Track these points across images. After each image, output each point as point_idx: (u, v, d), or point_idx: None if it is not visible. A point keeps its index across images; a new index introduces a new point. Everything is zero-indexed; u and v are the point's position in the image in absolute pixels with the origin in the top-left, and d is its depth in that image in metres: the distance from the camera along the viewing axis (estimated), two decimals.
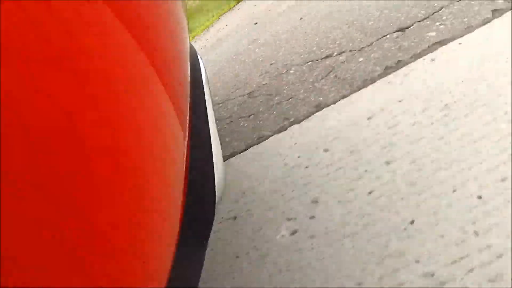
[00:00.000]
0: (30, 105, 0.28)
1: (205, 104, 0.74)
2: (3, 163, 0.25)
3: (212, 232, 0.60)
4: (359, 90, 1.20)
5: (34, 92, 0.29)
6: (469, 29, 1.16)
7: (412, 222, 0.73)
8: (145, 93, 0.41)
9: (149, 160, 0.39)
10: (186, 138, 0.54)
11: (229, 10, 3.44)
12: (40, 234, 0.28)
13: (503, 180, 0.69)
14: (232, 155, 1.29)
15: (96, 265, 0.32)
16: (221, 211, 1.03)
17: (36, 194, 0.28)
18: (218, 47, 2.56)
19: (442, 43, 1.18)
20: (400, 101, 1.05)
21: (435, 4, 1.37)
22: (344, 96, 1.22)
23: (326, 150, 1.03)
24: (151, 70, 0.44)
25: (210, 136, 0.69)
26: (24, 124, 0.28)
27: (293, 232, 0.85)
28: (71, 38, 0.33)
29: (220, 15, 3.46)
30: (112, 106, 0.36)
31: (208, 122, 0.71)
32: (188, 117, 0.56)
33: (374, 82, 1.20)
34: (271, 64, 1.74)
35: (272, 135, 1.26)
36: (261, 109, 1.44)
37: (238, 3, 3.43)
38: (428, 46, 1.20)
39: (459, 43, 1.13)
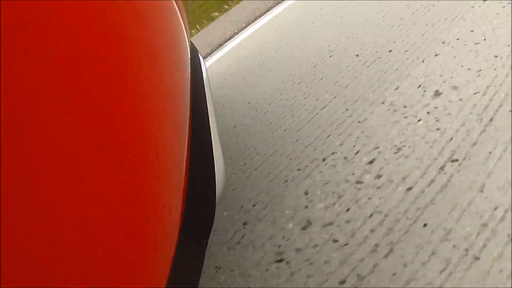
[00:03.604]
0: (29, 104, 0.28)
1: (206, 102, 0.74)
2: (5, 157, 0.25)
3: None
4: None
5: (32, 91, 0.29)
6: None
7: None
8: (146, 91, 0.41)
9: (149, 159, 0.39)
10: (187, 136, 0.54)
11: None
12: (38, 234, 0.28)
13: None
14: None
15: (96, 265, 0.32)
16: None
17: (35, 194, 0.28)
18: None
19: None
20: None
21: None
22: None
23: None
24: (151, 69, 0.44)
25: (210, 134, 0.68)
26: (23, 122, 0.28)
27: None
28: (71, 36, 0.33)
29: None
30: (113, 105, 0.36)
31: (208, 120, 0.71)
32: (188, 115, 0.56)
33: None
34: None
35: None
36: None
37: None
38: None
39: None
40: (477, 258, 0.62)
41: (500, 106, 0.88)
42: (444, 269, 0.63)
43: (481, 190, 0.72)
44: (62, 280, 0.30)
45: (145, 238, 0.38)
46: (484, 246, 0.63)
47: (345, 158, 1.00)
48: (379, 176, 0.88)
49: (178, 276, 0.46)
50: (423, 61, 1.20)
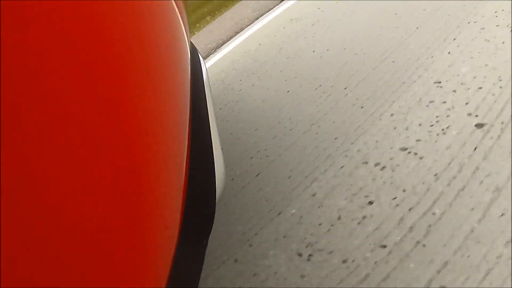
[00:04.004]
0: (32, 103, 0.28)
1: (206, 102, 0.74)
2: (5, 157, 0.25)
3: None
4: None
5: (31, 91, 0.29)
6: None
7: None
8: (146, 92, 0.41)
9: (149, 159, 0.39)
10: (187, 136, 0.54)
11: None
12: (38, 234, 0.28)
13: None
14: None
15: (96, 265, 0.32)
16: None
17: (35, 193, 0.28)
18: None
19: None
20: None
21: None
22: None
23: None
24: (151, 69, 0.44)
25: (210, 134, 0.68)
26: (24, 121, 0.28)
27: None
28: (72, 37, 0.33)
29: None
30: (112, 105, 0.36)
31: (208, 120, 0.71)
32: (188, 115, 0.56)
33: None
34: None
35: None
36: None
37: None
38: None
39: None
40: None
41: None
42: None
43: None
44: (63, 280, 0.30)
45: (145, 238, 0.38)
46: None
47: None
48: None
49: (178, 276, 0.46)
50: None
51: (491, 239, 0.64)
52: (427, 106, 1.01)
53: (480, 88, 0.97)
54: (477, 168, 0.78)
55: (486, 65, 1.03)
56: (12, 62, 0.27)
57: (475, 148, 0.82)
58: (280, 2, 2.83)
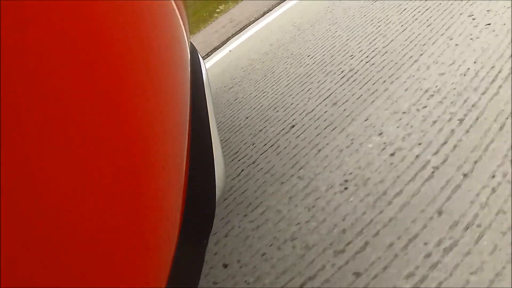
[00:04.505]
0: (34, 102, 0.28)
1: (206, 102, 0.74)
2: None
3: None
4: None
5: (31, 91, 0.29)
6: None
7: None
8: (146, 92, 0.41)
9: (149, 159, 0.39)
10: (187, 136, 0.54)
11: None
12: (38, 234, 0.28)
13: None
14: None
15: (96, 265, 0.32)
16: None
17: (35, 194, 0.28)
18: None
19: None
20: None
21: None
22: None
23: None
24: (151, 69, 0.44)
25: (210, 134, 0.68)
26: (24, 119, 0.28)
27: None
28: (71, 37, 0.33)
29: None
30: (112, 106, 0.36)
31: (208, 120, 0.71)
32: (188, 115, 0.56)
33: None
34: None
35: None
36: None
37: None
38: None
39: None
40: None
41: None
42: None
43: None
44: (63, 280, 0.30)
45: (145, 238, 0.38)
46: None
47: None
48: None
49: (178, 276, 0.46)
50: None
51: None
52: None
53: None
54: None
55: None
56: (12, 62, 0.27)
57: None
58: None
